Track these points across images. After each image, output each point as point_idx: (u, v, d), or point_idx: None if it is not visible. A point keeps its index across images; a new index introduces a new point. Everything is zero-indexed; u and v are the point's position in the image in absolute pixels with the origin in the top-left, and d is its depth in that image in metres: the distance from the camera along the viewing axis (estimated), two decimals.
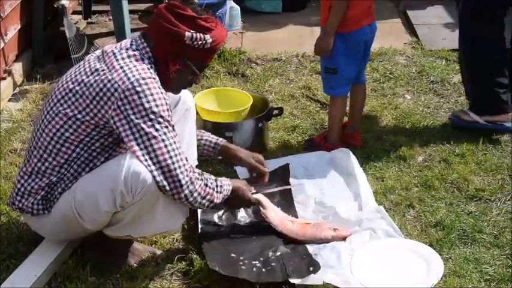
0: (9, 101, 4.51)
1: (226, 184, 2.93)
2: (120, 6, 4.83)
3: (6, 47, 4.53)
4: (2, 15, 4.40)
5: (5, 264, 2.96)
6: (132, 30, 5.39)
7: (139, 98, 2.66)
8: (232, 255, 3.00)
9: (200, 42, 2.78)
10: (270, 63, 5.06)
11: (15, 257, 2.98)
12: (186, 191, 2.72)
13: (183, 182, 2.70)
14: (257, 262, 2.96)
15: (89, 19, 5.84)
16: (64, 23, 4.86)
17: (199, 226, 3.16)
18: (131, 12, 5.55)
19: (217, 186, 2.86)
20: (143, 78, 2.68)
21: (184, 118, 3.15)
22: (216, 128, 3.79)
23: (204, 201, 2.80)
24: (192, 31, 2.76)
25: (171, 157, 2.68)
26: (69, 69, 2.92)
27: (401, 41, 5.46)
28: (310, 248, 3.05)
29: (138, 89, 2.66)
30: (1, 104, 4.38)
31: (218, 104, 3.98)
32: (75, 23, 5.31)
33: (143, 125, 2.66)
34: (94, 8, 5.93)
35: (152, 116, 2.66)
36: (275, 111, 4.00)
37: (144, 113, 2.66)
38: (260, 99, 4.05)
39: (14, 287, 2.80)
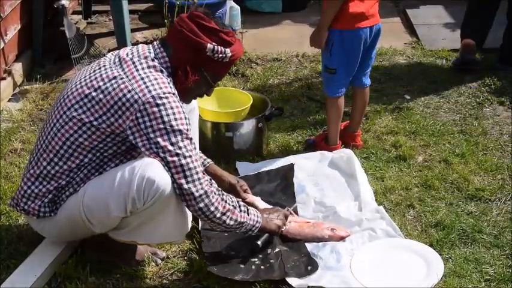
0: (9, 101, 4.51)
1: (254, 209, 2.92)
2: (120, 6, 4.83)
3: (6, 47, 4.53)
4: (2, 15, 4.40)
5: (5, 264, 2.96)
6: (132, 30, 5.41)
7: (159, 110, 2.65)
8: (232, 253, 3.01)
9: (221, 55, 2.77)
10: (270, 63, 5.06)
11: (15, 257, 2.98)
12: (201, 204, 2.70)
13: (197, 194, 2.68)
14: (256, 260, 2.97)
15: (89, 19, 5.84)
16: (64, 23, 4.85)
17: (200, 228, 3.16)
18: (131, 12, 5.56)
19: (240, 206, 2.84)
20: (164, 93, 2.67)
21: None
22: (216, 128, 3.80)
23: (224, 217, 2.76)
24: (214, 44, 2.75)
25: (184, 171, 2.66)
26: (68, 71, 2.91)
27: (401, 41, 5.47)
28: (309, 247, 3.05)
29: (159, 101, 2.65)
30: (1, 104, 4.38)
31: (218, 104, 3.98)
32: (75, 23, 5.31)
33: (159, 138, 2.65)
34: (94, 8, 5.93)
35: (170, 129, 2.65)
36: (275, 111, 4.00)
37: (162, 126, 2.65)
38: (260, 99, 4.05)
39: (14, 287, 2.80)
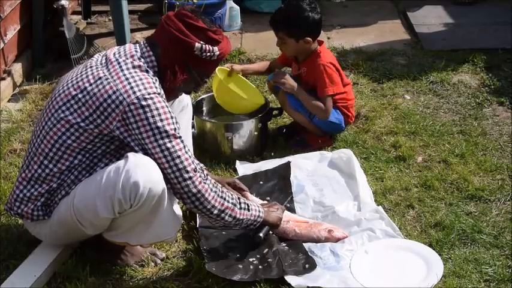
0: (9, 101, 4.51)
1: (255, 205, 2.93)
2: (120, 6, 4.83)
3: (6, 47, 4.53)
4: (1, 15, 4.40)
5: (5, 264, 2.96)
6: (132, 31, 5.40)
7: (145, 112, 2.65)
8: (230, 252, 3.01)
9: (209, 54, 2.78)
10: None
11: (15, 257, 2.98)
12: (197, 202, 2.72)
13: (190, 194, 2.70)
14: (254, 259, 2.97)
15: (89, 19, 5.85)
16: (64, 23, 4.86)
17: (198, 228, 3.16)
18: (131, 12, 5.56)
19: (240, 202, 2.84)
20: (149, 94, 2.67)
21: (181, 116, 3.15)
22: (216, 128, 3.80)
23: (223, 215, 2.78)
24: (202, 42, 2.76)
25: (173, 172, 2.67)
26: (68, 71, 2.91)
27: (401, 41, 5.46)
28: (309, 247, 3.05)
29: (143, 103, 2.65)
30: (1, 104, 4.38)
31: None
32: (75, 23, 5.31)
33: (147, 140, 2.66)
34: (94, 8, 5.93)
35: (156, 131, 2.66)
36: (275, 112, 4.00)
37: (148, 128, 2.65)
38: None
39: (14, 287, 2.80)
